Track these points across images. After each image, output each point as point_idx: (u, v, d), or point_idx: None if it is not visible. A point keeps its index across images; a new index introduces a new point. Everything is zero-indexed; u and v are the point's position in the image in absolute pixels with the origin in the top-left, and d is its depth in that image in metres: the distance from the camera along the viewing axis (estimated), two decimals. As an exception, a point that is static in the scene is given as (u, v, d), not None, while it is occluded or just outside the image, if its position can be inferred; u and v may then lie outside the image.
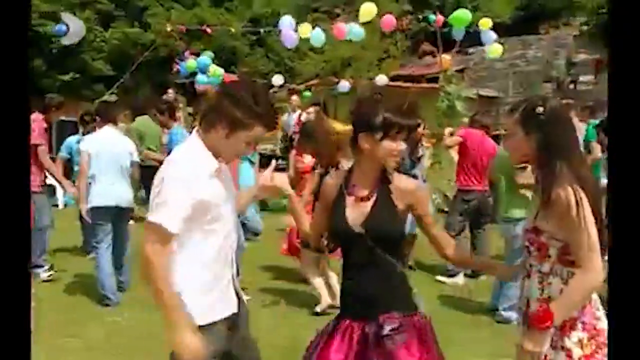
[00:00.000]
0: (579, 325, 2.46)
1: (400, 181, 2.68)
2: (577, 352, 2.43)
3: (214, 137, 2.55)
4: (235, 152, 2.62)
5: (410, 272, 7.06)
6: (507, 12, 40.09)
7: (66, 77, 31.63)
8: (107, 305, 5.95)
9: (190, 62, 9.93)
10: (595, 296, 2.55)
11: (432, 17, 9.45)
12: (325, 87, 15.15)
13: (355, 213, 2.63)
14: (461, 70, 15.57)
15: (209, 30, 11.04)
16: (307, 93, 14.42)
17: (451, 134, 7.72)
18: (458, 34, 9.15)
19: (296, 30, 9.34)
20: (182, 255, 2.55)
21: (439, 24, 9.32)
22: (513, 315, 5.29)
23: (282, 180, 2.81)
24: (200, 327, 2.54)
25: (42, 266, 6.71)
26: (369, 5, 9.16)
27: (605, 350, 2.43)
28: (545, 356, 2.46)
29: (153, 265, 2.44)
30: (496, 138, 10.73)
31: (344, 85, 12.23)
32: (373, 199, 2.63)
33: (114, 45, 32.22)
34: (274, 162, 3.01)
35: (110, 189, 6.01)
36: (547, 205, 2.45)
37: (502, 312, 5.37)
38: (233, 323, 2.76)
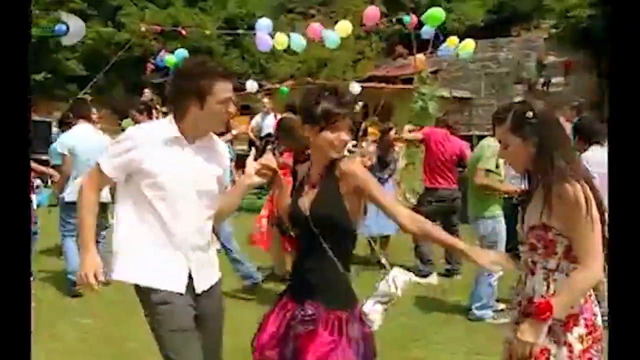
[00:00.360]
0: (581, 321, 2.49)
1: (344, 165, 2.65)
2: (577, 347, 2.46)
3: (192, 117, 2.59)
4: (218, 118, 2.64)
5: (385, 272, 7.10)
6: (480, 15, 40.53)
7: (38, 77, 31.13)
8: (77, 296, 5.91)
9: (169, 58, 9.87)
10: (591, 291, 2.57)
11: (407, 18, 9.42)
12: (300, 88, 15.10)
13: (307, 199, 2.70)
14: (435, 72, 15.59)
15: (184, 32, 10.91)
16: (285, 89, 14.37)
17: (409, 131, 7.72)
18: (428, 33, 9.14)
19: (272, 35, 9.29)
20: (122, 209, 2.73)
21: (414, 25, 9.30)
22: (487, 313, 5.30)
23: (268, 158, 2.77)
24: (145, 287, 2.68)
25: None
26: (345, 23, 9.30)
27: (599, 345, 2.49)
28: (548, 351, 2.46)
29: (81, 193, 2.72)
30: (469, 138, 10.78)
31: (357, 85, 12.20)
32: (319, 185, 2.68)
33: (88, 45, 31.75)
34: (253, 150, 3.01)
35: None
36: (552, 202, 2.46)
37: (475, 311, 5.38)
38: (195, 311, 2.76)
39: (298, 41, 9.27)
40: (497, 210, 5.33)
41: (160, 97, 11.61)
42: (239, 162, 12.25)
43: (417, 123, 9.19)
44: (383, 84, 20.99)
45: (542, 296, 2.50)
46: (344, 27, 9.20)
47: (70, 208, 6.04)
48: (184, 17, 31.44)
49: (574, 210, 2.41)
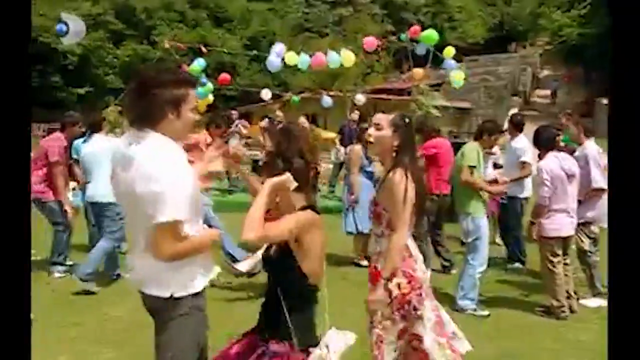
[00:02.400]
0: (400, 273, 3.03)
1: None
2: (395, 292, 3.01)
3: (168, 125, 2.37)
4: (190, 124, 2.45)
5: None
6: (481, 33, 40.37)
7: (81, 91, 31.53)
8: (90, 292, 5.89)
9: (195, 66, 10.05)
10: (416, 252, 3.16)
11: (403, 35, 9.53)
12: (312, 98, 15.20)
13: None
14: (439, 84, 15.47)
15: (204, 49, 11.00)
16: (296, 98, 14.46)
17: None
18: (422, 49, 9.23)
19: (283, 58, 9.51)
20: None
21: (414, 34, 9.43)
22: (468, 304, 5.22)
23: (236, 146, 2.65)
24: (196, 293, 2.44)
25: (61, 264, 6.55)
26: (348, 54, 9.51)
27: (420, 291, 3.05)
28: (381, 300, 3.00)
29: (175, 252, 2.33)
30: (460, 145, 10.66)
31: (327, 100, 12.32)
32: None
33: (124, 61, 32.15)
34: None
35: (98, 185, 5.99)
36: (384, 183, 3.09)
37: (458, 301, 5.30)
38: None
39: (304, 60, 9.54)
40: (480, 208, 5.25)
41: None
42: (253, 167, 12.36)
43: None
44: (392, 96, 20.94)
45: (374, 253, 3.18)
46: (348, 57, 9.50)
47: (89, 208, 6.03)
48: (212, 36, 31.68)
49: (393, 193, 2.99)
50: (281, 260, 2.38)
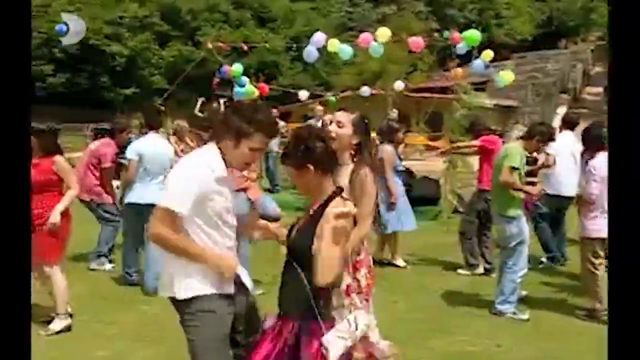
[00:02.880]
0: (364, 264, 3.23)
1: (330, 207, 2.50)
2: (363, 281, 3.20)
3: (224, 147, 2.61)
4: (243, 160, 2.64)
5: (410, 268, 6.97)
6: (529, 30, 39.46)
7: (128, 92, 32.32)
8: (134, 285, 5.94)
9: (235, 68, 10.18)
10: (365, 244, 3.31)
11: (446, 33, 9.37)
12: (351, 96, 15.17)
13: (297, 226, 2.73)
14: (484, 82, 15.22)
15: (244, 47, 11.13)
16: (332, 99, 14.49)
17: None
18: (462, 49, 9.06)
19: (325, 47, 9.48)
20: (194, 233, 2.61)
21: (455, 40, 9.19)
22: (508, 308, 5.10)
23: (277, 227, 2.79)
24: (210, 295, 2.59)
25: (106, 256, 6.71)
26: (383, 29, 9.40)
27: (374, 280, 3.32)
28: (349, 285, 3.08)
29: (163, 237, 2.53)
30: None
31: (365, 90, 12.34)
32: (309, 217, 2.64)
33: (169, 62, 32.78)
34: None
35: (153, 187, 5.92)
36: (351, 179, 3.19)
37: (497, 305, 5.18)
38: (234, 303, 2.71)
39: (346, 49, 9.48)
40: (520, 210, 5.11)
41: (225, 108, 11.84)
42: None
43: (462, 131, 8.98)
44: (436, 95, 20.68)
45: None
46: (383, 32, 9.34)
47: (128, 209, 6.00)
48: (255, 36, 31.97)
49: (363, 188, 3.15)
50: (306, 242, 2.45)
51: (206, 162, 2.58)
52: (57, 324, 4.63)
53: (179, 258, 2.57)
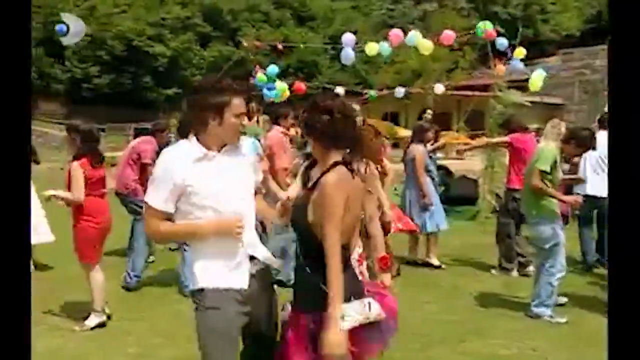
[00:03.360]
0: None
1: (324, 177, 2.46)
2: (366, 274, 3.33)
3: (211, 131, 2.54)
4: (234, 130, 2.58)
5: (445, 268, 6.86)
6: (577, 25, 38.40)
7: (169, 92, 32.93)
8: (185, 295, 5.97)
9: (260, 76, 10.14)
10: None
11: (480, 30, 9.21)
12: (394, 97, 15.00)
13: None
14: (526, 80, 14.80)
15: (280, 46, 11.17)
16: (373, 94, 14.32)
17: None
18: (502, 45, 8.89)
19: (360, 49, 9.45)
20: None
21: (491, 36, 9.00)
22: (544, 311, 4.96)
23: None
24: (214, 289, 2.51)
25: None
26: (427, 42, 9.33)
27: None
28: None
29: (157, 231, 2.55)
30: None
31: (400, 91, 12.17)
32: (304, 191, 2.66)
33: (211, 62, 33.25)
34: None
35: None
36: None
37: (533, 308, 5.06)
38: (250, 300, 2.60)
39: (385, 47, 9.39)
40: (555, 211, 4.97)
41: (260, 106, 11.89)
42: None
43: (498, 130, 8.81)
44: (476, 93, 20.34)
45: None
46: (425, 45, 9.30)
47: None
48: (295, 35, 32.12)
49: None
50: (301, 215, 2.44)
51: (180, 152, 2.53)
52: (91, 320, 4.74)
53: (192, 249, 2.57)
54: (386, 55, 9.89)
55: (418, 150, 6.77)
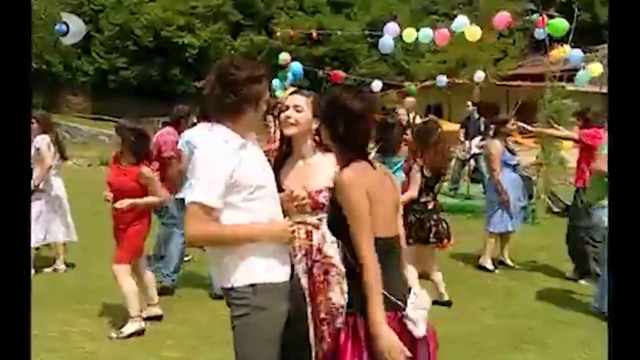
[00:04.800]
0: None
1: (336, 175, 2.51)
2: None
3: (247, 120, 2.55)
4: (261, 114, 2.66)
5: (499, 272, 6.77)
6: None
7: (199, 84, 33.17)
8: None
9: (279, 74, 10.23)
10: None
11: (535, 16, 9.03)
12: (431, 86, 14.75)
13: None
14: (577, 70, 14.50)
15: (314, 34, 11.18)
16: (412, 88, 14.13)
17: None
18: (541, 35, 8.69)
19: (401, 37, 9.36)
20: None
21: (542, 25, 8.80)
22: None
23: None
24: (262, 284, 2.48)
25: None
26: (475, 28, 9.17)
27: None
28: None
29: (206, 235, 2.48)
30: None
31: (442, 79, 12.01)
32: None
33: (242, 53, 33.38)
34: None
35: None
36: None
37: (595, 304, 4.97)
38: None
39: (425, 33, 9.27)
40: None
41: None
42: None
43: (554, 122, 8.63)
44: (527, 83, 19.96)
45: None
46: (473, 32, 9.12)
47: (177, 204, 5.91)
48: (331, 23, 32.05)
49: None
50: (331, 217, 2.53)
51: (220, 139, 2.49)
52: (128, 328, 4.77)
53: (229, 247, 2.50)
54: (426, 43, 9.81)
55: (495, 146, 6.67)
